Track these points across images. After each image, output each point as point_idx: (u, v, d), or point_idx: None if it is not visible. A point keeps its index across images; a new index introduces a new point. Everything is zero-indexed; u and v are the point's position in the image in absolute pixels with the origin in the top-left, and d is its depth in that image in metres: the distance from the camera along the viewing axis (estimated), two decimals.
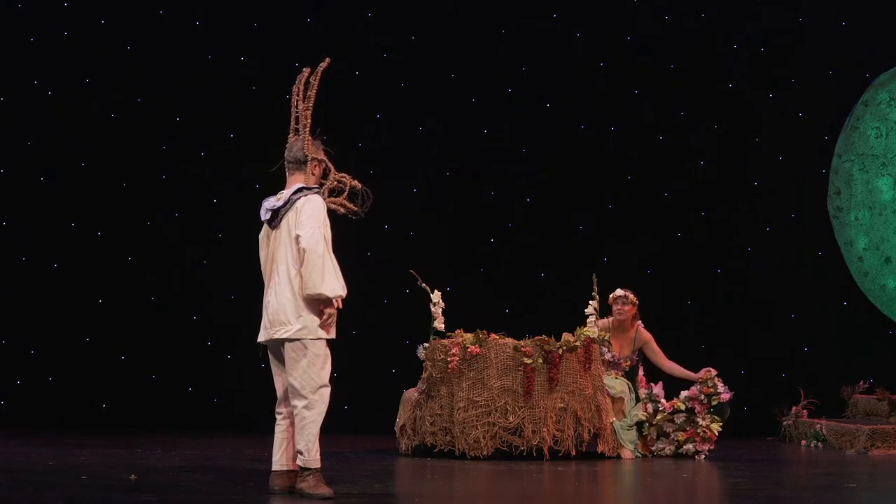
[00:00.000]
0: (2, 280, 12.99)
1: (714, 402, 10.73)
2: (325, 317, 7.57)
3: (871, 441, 11.26)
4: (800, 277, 13.31)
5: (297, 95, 8.08)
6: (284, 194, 7.76)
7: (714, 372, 10.85)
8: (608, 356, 10.87)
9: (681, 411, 10.69)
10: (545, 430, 10.16)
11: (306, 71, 8.19)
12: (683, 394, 10.79)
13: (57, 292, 12.99)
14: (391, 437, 10.87)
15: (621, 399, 10.74)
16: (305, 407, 7.60)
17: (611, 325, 11.02)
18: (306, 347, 7.60)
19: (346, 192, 8.00)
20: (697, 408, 10.71)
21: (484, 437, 10.16)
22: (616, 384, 10.78)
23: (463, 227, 13.33)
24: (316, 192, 7.72)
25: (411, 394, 10.72)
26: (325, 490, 7.61)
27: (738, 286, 13.41)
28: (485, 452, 10.14)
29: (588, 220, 13.41)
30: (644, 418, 10.72)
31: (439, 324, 10.60)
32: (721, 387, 10.78)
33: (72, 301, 12.99)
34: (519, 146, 13.51)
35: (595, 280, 10.80)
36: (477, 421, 10.18)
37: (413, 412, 10.57)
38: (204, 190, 13.16)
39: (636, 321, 11.13)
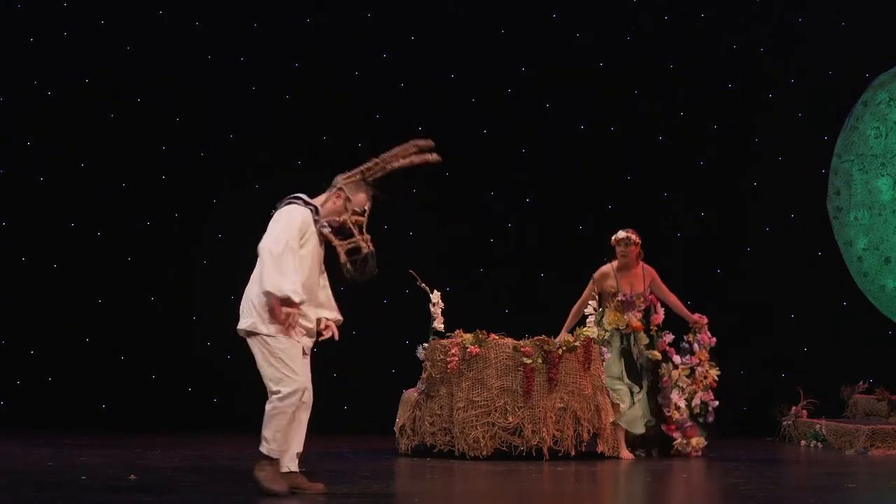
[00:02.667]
0: (2, 280, 13.00)
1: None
2: (282, 316, 7.57)
3: (870, 441, 11.26)
4: (800, 277, 13.30)
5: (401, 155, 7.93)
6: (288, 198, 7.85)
7: (706, 319, 10.96)
8: (620, 297, 10.80)
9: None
10: (545, 430, 10.16)
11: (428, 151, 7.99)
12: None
13: (57, 292, 13.00)
14: (391, 437, 10.87)
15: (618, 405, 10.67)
16: (279, 398, 7.63)
17: (614, 267, 10.95)
18: (268, 344, 7.64)
19: (345, 242, 7.90)
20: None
21: (483, 438, 10.16)
22: (620, 389, 10.66)
23: (463, 227, 13.33)
24: (306, 207, 7.75)
25: (411, 394, 10.72)
26: (280, 487, 7.65)
27: (738, 286, 13.41)
28: (484, 452, 10.14)
29: (588, 220, 13.41)
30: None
31: (439, 324, 10.60)
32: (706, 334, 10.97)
33: (72, 301, 12.99)
34: (519, 146, 13.51)
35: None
36: (476, 421, 10.18)
37: (413, 412, 10.58)
38: (204, 190, 13.17)
39: (639, 260, 11.03)
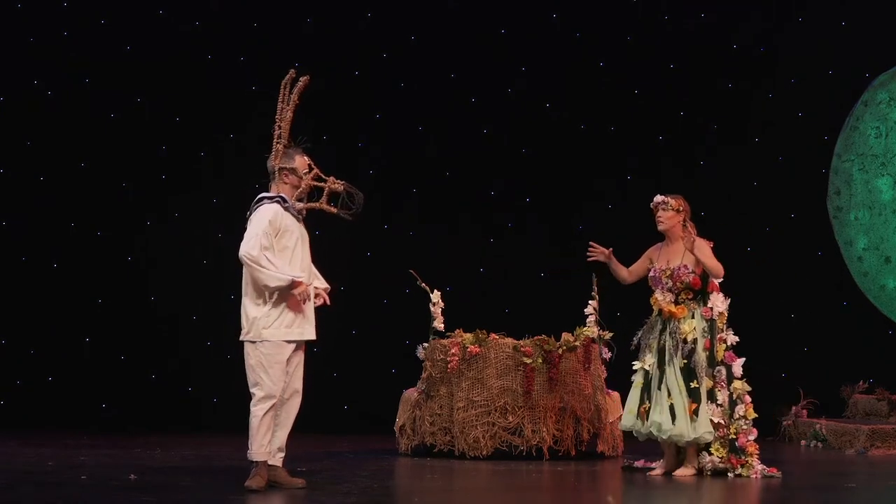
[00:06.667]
0: (2, 280, 12.99)
1: None
2: (299, 298, 7.88)
3: (870, 441, 11.26)
4: (800, 277, 13.30)
5: (283, 103, 8.29)
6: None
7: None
8: (651, 272, 9.36)
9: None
10: (545, 429, 10.16)
11: (291, 78, 8.34)
12: None
13: (56, 292, 12.99)
14: (391, 437, 10.88)
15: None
16: (252, 402, 8.06)
17: (661, 246, 9.51)
18: (249, 350, 7.98)
19: (324, 196, 8.16)
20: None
21: (483, 437, 10.16)
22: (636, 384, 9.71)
23: (462, 226, 13.32)
24: (275, 202, 8.01)
25: (411, 394, 10.72)
26: (252, 483, 7.98)
27: (738, 286, 13.38)
28: (484, 452, 10.14)
29: (588, 220, 13.40)
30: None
31: (439, 324, 10.60)
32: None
33: (71, 301, 12.99)
34: (519, 146, 13.51)
35: (595, 280, 10.78)
36: (476, 421, 10.18)
37: (413, 412, 10.58)
38: (204, 190, 13.16)
39: (686, 233, 9.40)
